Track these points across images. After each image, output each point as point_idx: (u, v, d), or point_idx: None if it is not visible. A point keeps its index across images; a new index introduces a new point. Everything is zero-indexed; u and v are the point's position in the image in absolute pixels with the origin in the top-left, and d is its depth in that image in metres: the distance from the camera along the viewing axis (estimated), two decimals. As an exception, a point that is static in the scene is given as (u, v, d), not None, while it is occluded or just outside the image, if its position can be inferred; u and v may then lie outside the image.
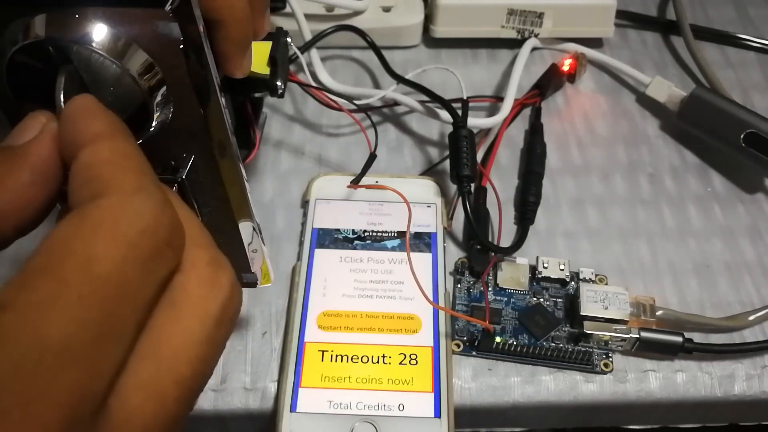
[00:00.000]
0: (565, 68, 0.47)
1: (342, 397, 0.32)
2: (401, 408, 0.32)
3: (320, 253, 0.37)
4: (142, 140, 0.23)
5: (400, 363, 0.33)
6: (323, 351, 0.34)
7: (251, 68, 0.31)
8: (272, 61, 0.34)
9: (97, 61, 0.21)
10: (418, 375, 0.33)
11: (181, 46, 0.21)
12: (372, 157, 0.38)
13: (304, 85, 0.41)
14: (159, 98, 0.22)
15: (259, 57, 0.33)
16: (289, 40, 0.36)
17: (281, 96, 0.35)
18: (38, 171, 0.20)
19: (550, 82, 0.46)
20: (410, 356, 0.34)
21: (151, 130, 0.23)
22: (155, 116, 0.22)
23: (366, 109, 0.42)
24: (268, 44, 0.34)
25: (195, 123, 0.24)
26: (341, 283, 0.36)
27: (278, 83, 0.34)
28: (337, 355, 0.34)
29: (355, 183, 0.37)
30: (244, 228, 0.28)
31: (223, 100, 0.24)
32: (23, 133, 0.20)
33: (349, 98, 0.41)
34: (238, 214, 0.27)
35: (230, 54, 0.26)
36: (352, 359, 0.33)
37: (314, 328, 0.34)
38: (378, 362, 0.33)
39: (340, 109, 0.40)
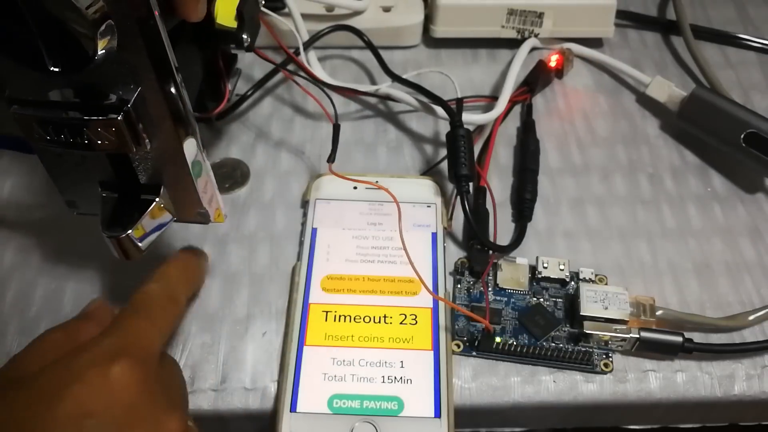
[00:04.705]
0: (552, 64, 0.47)
1: (344, 388, 0.32)
2: (401, 408, 0.32)
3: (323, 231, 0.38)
4: (88, 70, 0.25)
5: (401, 323, 0.34)
6: (327, 312, 0.35)
7: (221, 22, 0.34)
8: (239, 15, 0.35)
9: None
10: (418, 334, 0.34)
11: None
12: (336, 127, 0.39)
13: (272, 63, 0.42)
14: (104, 29, 0.24)
15: (228, 11, 0.35)
16: None
17: (248, 49, 0.36)
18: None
19: (538, 78, 0.46)
20: (410, 316, 0.35)
21: (96, 59, 0.24)
22: (100, 47, 0.24)
23: (349, 92, 0.43)
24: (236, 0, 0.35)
25: (138, 54, 0.25)
26: (344, 249, 0.37)
27: (244, 36, 0.35)
28: (340, 316, 0.35)
29: (331, 161, 0.38)
30: (189, 147, 0.29)
31: (165, 32, 0.25)
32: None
33: (324, 82, 0.42)
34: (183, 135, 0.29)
35: None
36: (354, 319, 0.35)
37: (318, 292, 0.36)
38: (380, 322, 0.35)
39: (308, 89, 0.42)
